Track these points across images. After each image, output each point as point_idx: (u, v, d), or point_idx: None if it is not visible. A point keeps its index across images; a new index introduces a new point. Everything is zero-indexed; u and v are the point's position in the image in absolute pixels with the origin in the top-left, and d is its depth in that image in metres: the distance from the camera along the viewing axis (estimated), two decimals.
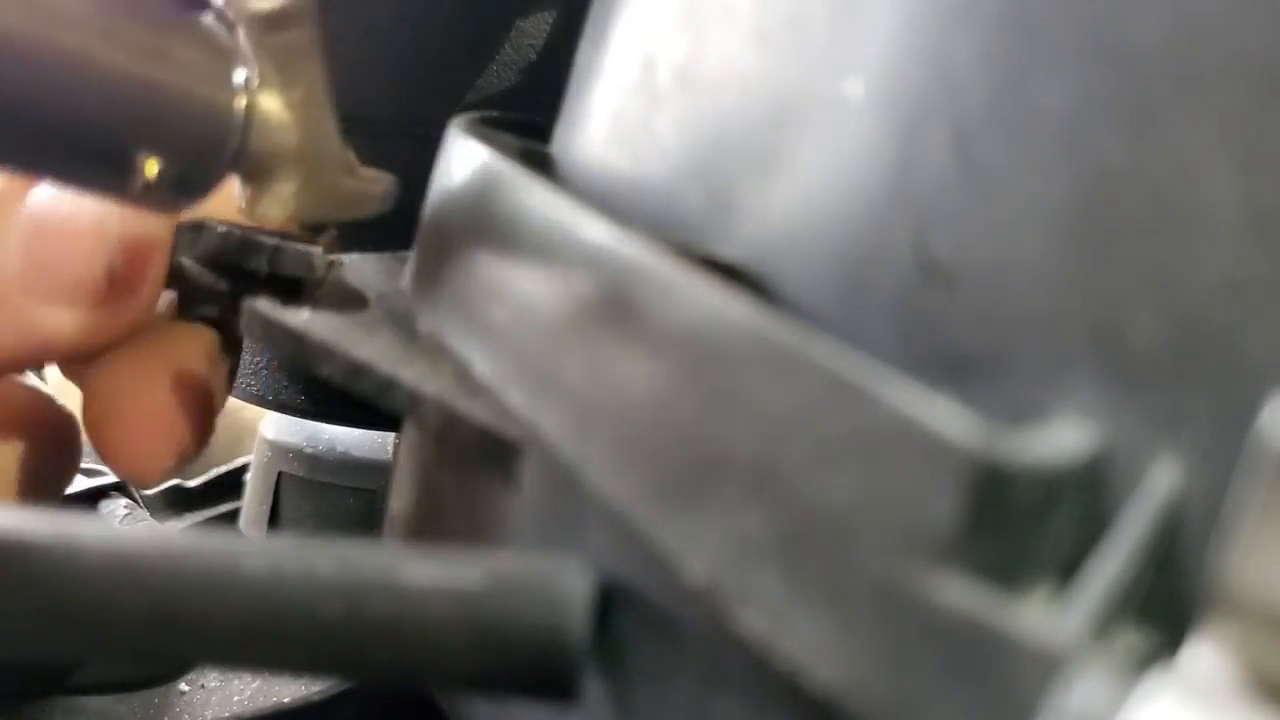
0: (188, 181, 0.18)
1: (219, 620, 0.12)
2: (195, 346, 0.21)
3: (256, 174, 0.19)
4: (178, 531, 0.41)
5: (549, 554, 0.14)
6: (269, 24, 0.18)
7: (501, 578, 0.13)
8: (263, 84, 0.18)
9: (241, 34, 0.18)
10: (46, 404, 0.22)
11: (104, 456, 0.21)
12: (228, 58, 0.18)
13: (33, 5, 0.16)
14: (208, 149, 0.18)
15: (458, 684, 0.14)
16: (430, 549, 0.13)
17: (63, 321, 0.20)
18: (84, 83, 0.16)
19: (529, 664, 0.13)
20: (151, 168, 0.17)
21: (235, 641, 0.12)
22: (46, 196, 0.20)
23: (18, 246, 0.19)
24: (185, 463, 0.21)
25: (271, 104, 0.19)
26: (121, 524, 0.40)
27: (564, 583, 0.13)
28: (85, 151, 0.17)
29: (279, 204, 0.19)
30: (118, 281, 0.20)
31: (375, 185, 0.20)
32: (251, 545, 0.13)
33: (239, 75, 0.18)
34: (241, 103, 0.18)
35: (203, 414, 0.21)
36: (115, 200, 0.18)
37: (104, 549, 0.12)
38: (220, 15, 0.18)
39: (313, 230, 0.21)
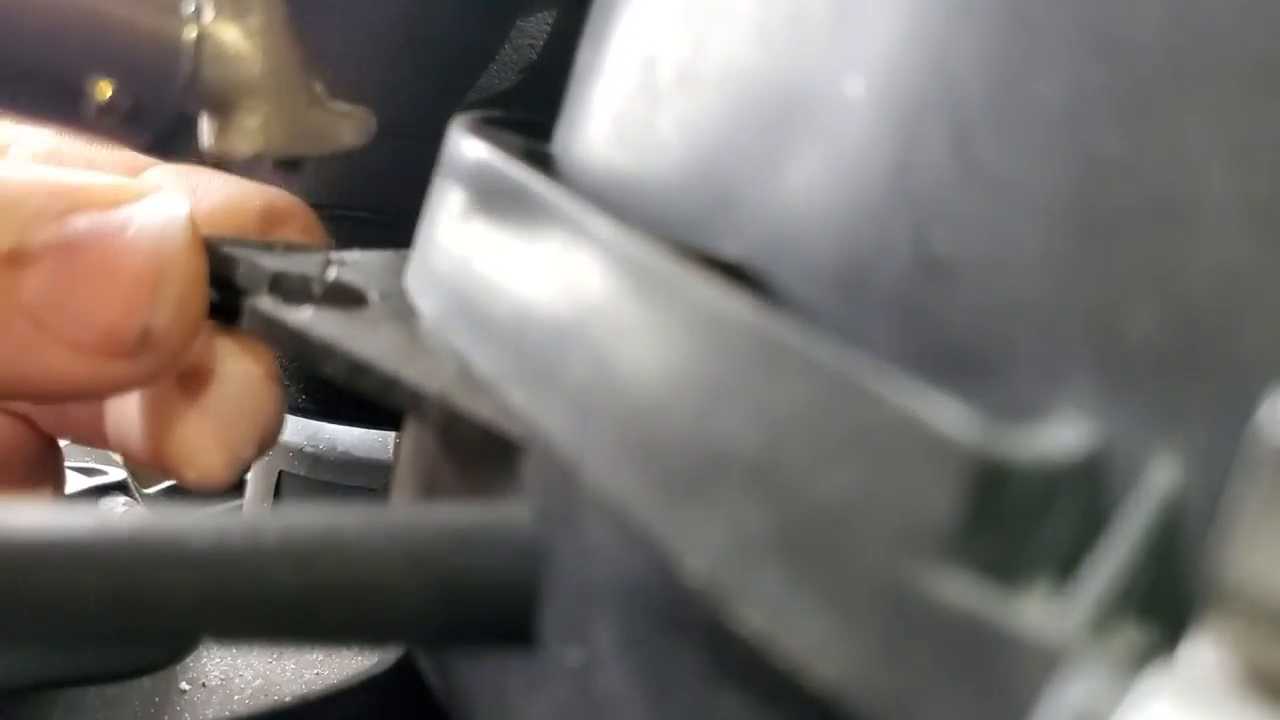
0: (144, 111, 0.18)
1: (169, 596, 0.12)
2: (213, 347, 0.20)
3: (220, 107, 0.19)
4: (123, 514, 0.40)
5: (495, 502, 0.13)
6: None
7: (451, 528, 0.13)
8: (218, 13, 0.18)
9: None
10: (29, 437, 0.21)
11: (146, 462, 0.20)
12: None
13: None
14: (158, 77, 0.18)
15: (418, 639, 0.14)
16: (377, 507, 0.13)
17: (72, 368, 0.17)
18: (24, 9, 0.16)
19: (487, 613, 0.13)
20: (104, 90, 0.17)
21: (188, 616, 0.12)
22: (92, 221, 0.17)
23: (41, 271, 0.17)
24: (240, 462, 0.20)
25: (229, 33, 0.18)
26: None
27: (515, 528, 0.13)
28: (33, 77, 0.17)
29: (246, 137, 0.19)
30: (154, 341, 0.17)
31: (347, 119, 0.20)
32: (197, 520, 0.13)
33: (189, 3, 0.18)
34: (192, 31, 0.18)
35: (234, 406, 0.19)
36: (70, 130, 0.17)
37: (45, 535, 0.12)
38: None
39: (287, 165, 0.20)
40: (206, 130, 0.19)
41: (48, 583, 0.12)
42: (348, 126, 0.20)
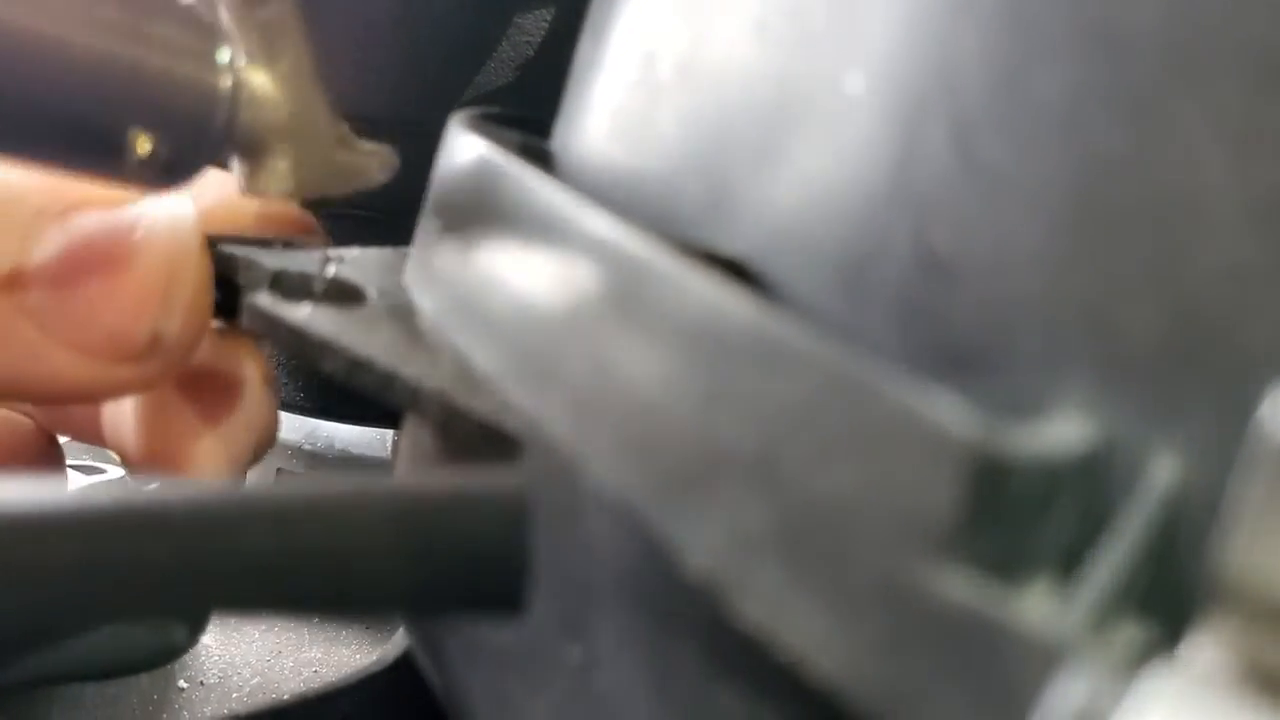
0: (180, 160, 0.18)
1: (149, 565, 0.12)
2: (210, 348, 0.19)
3: (251, 151, 0.19)
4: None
5: (483, 470, 0.13)
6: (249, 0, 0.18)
7: (435, 492, 0.13)
8: (249, 60, 0.18)
9: (223, 11, 0.18)
10: (30, 433, 0.21)
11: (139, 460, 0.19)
12: (211, 35, 0.18)
13: None
14: (197, 126, 0.18)
15: (404, 606, 0.14)
16: (359, 476, 0.13)
17: (76, 371, 0.16)
18: (64, 66, 0.16)
19: (474, 577, 0.12)
20: (144, 144, 0.17)
21: (168, 585, 0.12)
22: (97, 220, 0.16)
23: (44, 274, 0.16)
24: (237, 468, 0.19)
25: (259, 79, 0.18)
26: None
27: (500, 490, 0.13)
28: (74, 132, 0.17)
29: (276, 180, 0.19)
30: (163, 346, 0.17)
31: (373, 157, 0.20)
32: (178, 489, 0.13)
33: (224, 53, 0.18)
34: (228, 80, 0.18)
35: (230, 408, 0.19)
36: (108, 180, 0.17)
37: (24, 506, 0.12)
38: None
39: (314, 205, 0.20)
40: (238, 173, 0.19)
41: (25, 553, 0.12)
42: (374, 164, 0.21)
